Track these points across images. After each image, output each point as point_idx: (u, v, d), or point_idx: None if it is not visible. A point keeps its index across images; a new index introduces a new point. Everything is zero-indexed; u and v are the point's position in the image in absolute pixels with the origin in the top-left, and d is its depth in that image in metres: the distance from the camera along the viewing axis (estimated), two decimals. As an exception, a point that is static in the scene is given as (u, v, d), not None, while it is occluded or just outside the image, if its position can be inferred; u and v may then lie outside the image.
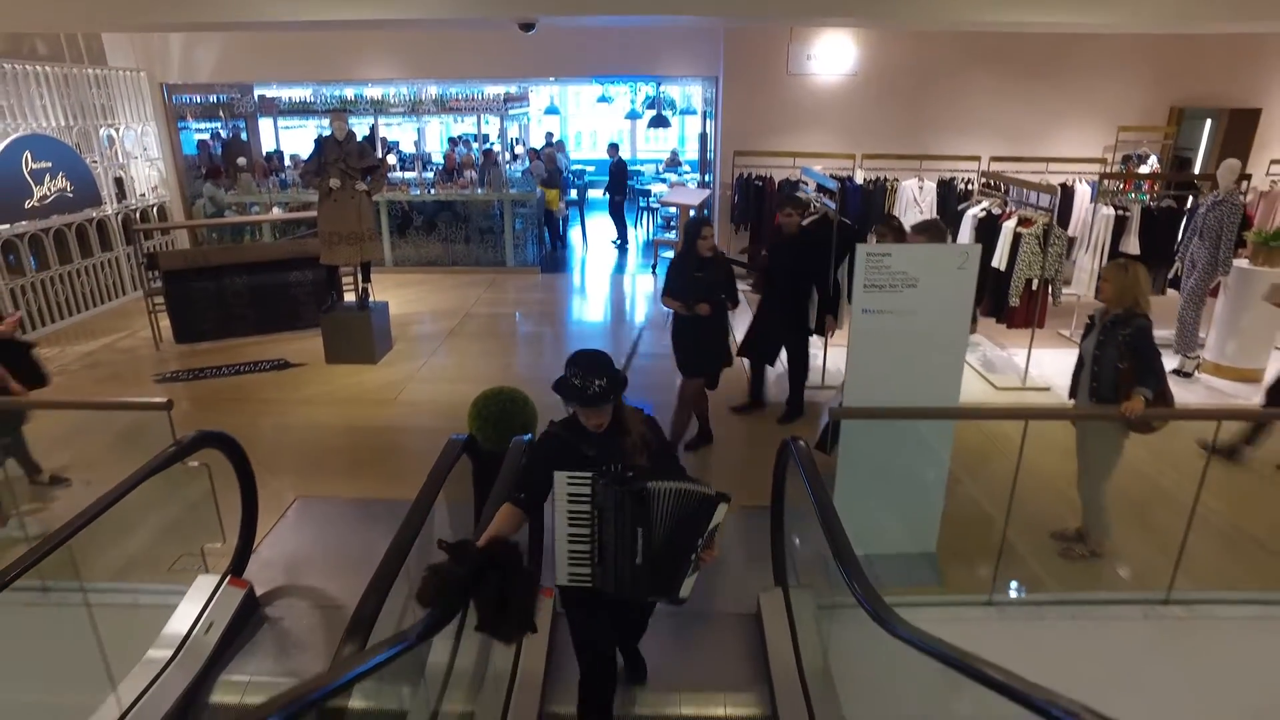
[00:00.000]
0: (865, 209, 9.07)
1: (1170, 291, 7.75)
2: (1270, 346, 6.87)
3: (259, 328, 8.07)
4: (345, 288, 8.17)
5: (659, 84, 14.70)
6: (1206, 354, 7.05)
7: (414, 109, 12.25)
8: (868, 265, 3.60)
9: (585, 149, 18.31)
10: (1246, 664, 3.64)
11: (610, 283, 11.14)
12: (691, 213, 9.90)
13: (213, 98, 11.64)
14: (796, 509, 3.61)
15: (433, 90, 11.98)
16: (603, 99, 16.99)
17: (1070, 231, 8.47)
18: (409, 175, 12.44)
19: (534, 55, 10.30)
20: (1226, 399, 6.60)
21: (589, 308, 10.17)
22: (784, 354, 6.03)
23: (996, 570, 3.85)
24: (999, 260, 6.72)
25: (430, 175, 12.43)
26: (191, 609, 3.63)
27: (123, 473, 3.37)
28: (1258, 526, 4.62)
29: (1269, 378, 6.47)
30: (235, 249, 9.39)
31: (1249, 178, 8.79)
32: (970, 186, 9.14)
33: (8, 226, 7.98)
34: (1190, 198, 7.91)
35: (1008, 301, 6.70)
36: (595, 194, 15.28)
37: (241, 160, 11.65)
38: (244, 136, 12.67)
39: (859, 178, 9.47)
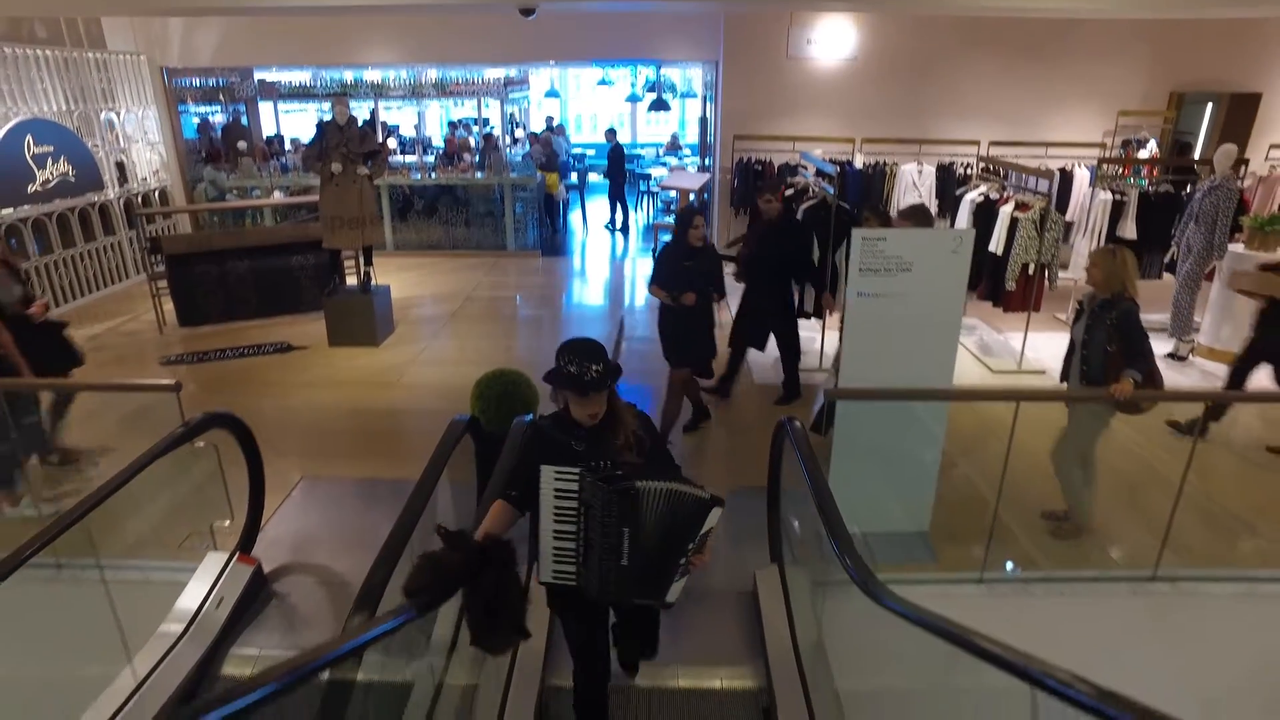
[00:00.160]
0: (864, 193, 9.10)
1: (1166, 276, 7.81)
2: (1264, 331, 6.92)
3: (262, 311, 8.14)
4: (347, 271, 8.23)
5: (659, 67, 14.66)
6: (1201, 338, 7.12)
7: (414, 93, 12.25)
8: (863, 249, 3.67)
9: (586, 132, 18.28)
10: (1230, 638, 3.75)
11: (610, 266, 11.19)
12: (691, 197, 9.95)
13: (211, 81, 11.63)
14: (798, 490, 3.69)
15: (432, 74, 11.97)
16: (603, 82, 16.95)
17: (1068, 216, 8.51)
18: (409, 159, 12.45)
19: (534, 39, 10.29)
20: (1219, 382, 6.66)
21: (589, 291, 10.23)
22: (773, 339, 6.08)
23: (988, 549, 3.94)
24: (996, 245, 6.77)
25: (431, 159, 12.44)
26: (202, 585, 3.73)
27: (130, 454, 3.46)
28: (1244, 506, 4.71)
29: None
30: (238, 233, 9.42)
31: (1246, 163, 8.81)
32: (969, 171, 9.16)
33: (11, 211, 8.02)
34: (1190, 183, 7.94)
35: (1004, 285, 6.75)
36: (596, 178, 15.29)
37: (242, 144, 11.66)
38: (244, 121, 12.67)
39: (858, 162, 9.49)
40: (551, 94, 16.78)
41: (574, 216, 13.95)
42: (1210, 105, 10.31)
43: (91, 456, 5.10)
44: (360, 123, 7.42)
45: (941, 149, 9.60)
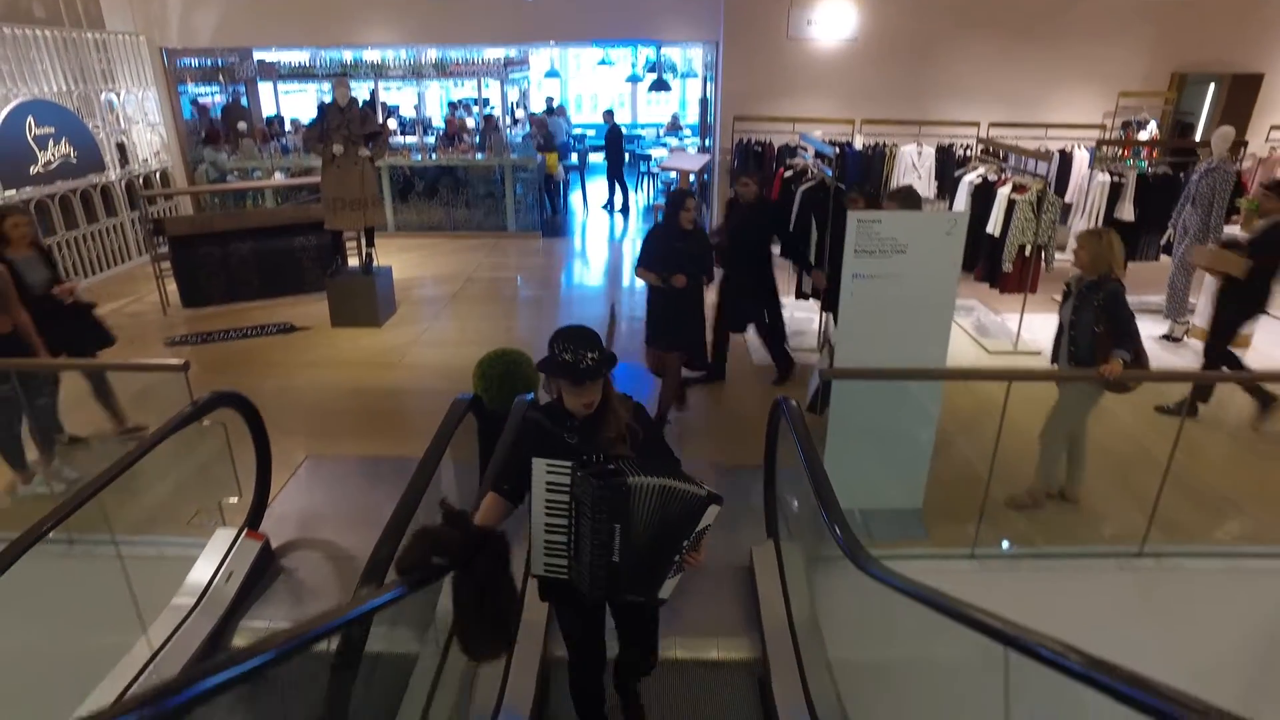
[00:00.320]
0: (864, 175, 9.12)
1: (1163, 258, 7.86)
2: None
3: (264, 292, 8.20)
4: (349, 253, 8.28)
5: (659, 48, 14.60)
6: (1196, 319, 7.16)
7: (414, 73, 12.22)
8: (858, 231, 3.72)
9: (586, 113, 18.21)
10: (1213, 613, 3.85)
11: (610, 247, 11.23)
12: (691, 178, 9.97)
13: (209, 61, 11.60)
14: (794, 468, 3.77)
15: (432, 54, 11.93)
16: (603, 62, 16.86)
17: (1067, 198, 8.55)
18: (410, 140, 12.45)
19: (534, 19, 10.26)
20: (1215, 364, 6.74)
21: (589, 272, 10.28)
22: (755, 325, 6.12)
23: (979, 525, 4.03)
24: (993, 226, 6.81)
25: (431, 140, 12.43)
26: (212, 560, 3.83)
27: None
28: (1230, 485, 4.80)
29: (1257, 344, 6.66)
30: (240, 214, 9.46)
31: (1245, 145, 8.82)
32: (969, 152, 9.17)
33: (14, 193, 8.05)
34: (1190, 164, 7.95)
35: (1001, 267, 6.80)
36: (596, 158, 15.26)
37: (242, 125, 11.65)
38: (244, 101, 12.65)
39: (858, 143, 9.50)
40: (552, 74, 16.72)
41: (574, 197, 13.95)
42: (1212, 86, 10.29)
43: (131, 433, 5.18)
44: (360, 103, 7.43)
45: (941, 130, 9.60)
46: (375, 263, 7.68)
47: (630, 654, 2.87)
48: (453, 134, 12.28)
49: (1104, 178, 7.70)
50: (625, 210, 12.92)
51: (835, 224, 6.08)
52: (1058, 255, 7.20)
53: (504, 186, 11.09)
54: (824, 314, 6.44)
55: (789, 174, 7.62)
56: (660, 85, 14.41)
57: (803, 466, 3.16)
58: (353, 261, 8.15)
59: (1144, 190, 7.82)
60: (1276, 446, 5.44)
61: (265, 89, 13.61)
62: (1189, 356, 6.84)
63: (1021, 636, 1.75)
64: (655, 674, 3.23)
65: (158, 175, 10.42)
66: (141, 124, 10.22)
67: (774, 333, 6.10)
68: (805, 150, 8.15)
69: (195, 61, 11.37)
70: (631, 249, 10.97)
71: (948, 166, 9.19)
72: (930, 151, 9.26)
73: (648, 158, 14.05)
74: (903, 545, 4.26)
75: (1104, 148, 8.35)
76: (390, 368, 6.67)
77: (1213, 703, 1.37)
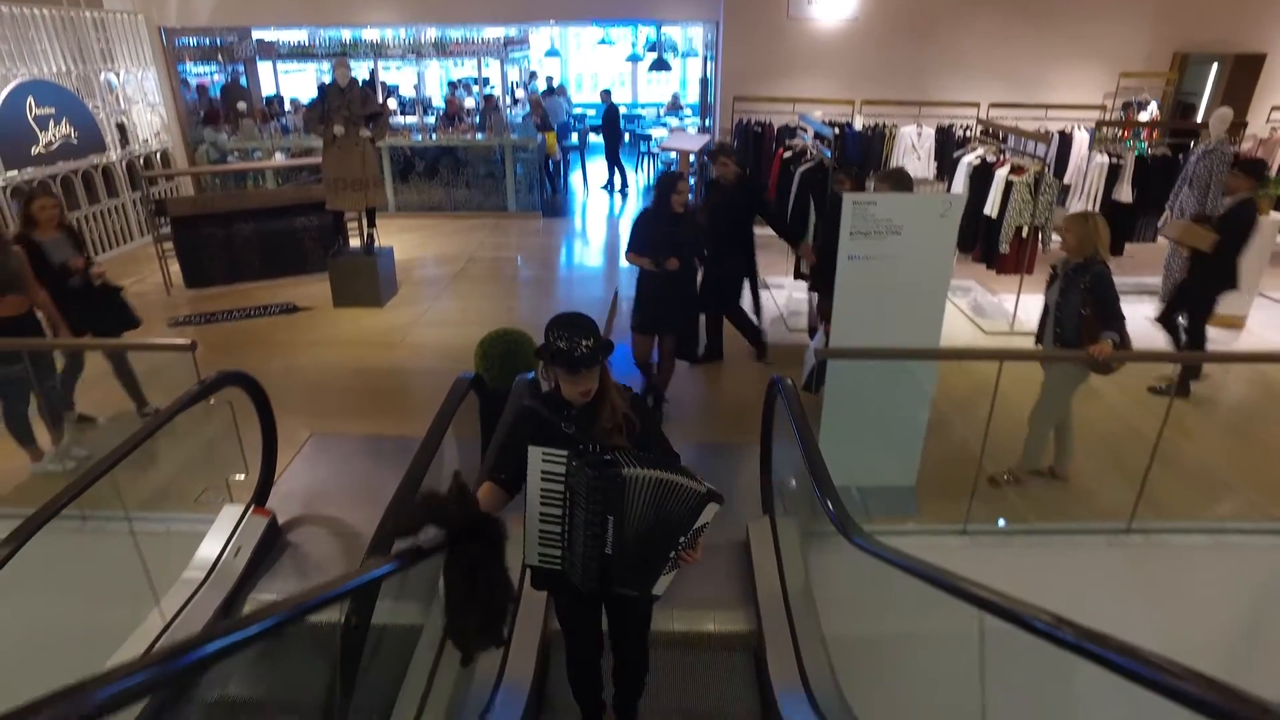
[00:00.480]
0: (863, 155, 9.13)
1: (1161, 239, 7.88)
2: (1254, 294, 7.03)
3: (266, 273, 8.25)
4: (350, 233, 8.31)
5: (659, 27, 14.51)
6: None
7: (414, 52, 12.17)
8: (854, 213, 3.77)
9: (586, 92, 18.13)
10: (1199, 586, 3.95)
11: (610, 227, 11.25)
12: (691, 159, 9.97)
13: (208, 41, 11.56)
14: (791, 445, 3.83)
15: (431, 33, 11.88)
16: (603, 41, 16.76)
17: (1066, 179, 8.56)
18: (410, 120, 12.42)
19: (534, -3, 10.24)
20: (1210, 345, 6.78)
21: (589, 252, 10.31)
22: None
23: (971, 502, 4.11)
24: (991, 208, 6.85)
25: (431, 120, 12.41)
26: (220, 535, 3.92)
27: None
28: (1218, 463, 4.89)
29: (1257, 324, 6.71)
30: (242, 195, 9.47)
31: (1244, 126, 8.81)
32: (969, 133, 9.17)
33: (16, 173, 8.08)
34: (1190, 146, 7.96)
35: (998, 248, 6.84)
36: (596, 139, 15.23)
37: (241, 105, 11.63)
38: (243, 81, 12.61)
39: (858, 124, 9.49)
40: (552, 53, 16.63)
41: (575, 178, 13.94)
42: (1215, 66, 10.25)
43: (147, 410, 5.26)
44: (360, 83, 7.44)
45: (941, 111, 9.59)
46: (377, 243, 7.72)
47: (619, 655, 2.81)
48: (453, 114, 12.25)
49: (1102, 159, 7.72)
50: (624, 191, 12.92)
51: (822, 206, 6.11)
52: (1055, 237, 7.22)
53: (504, 167, 11.10)
54: (811, 294, 6.44)
55: (788, 155, 7.64)
56: (660, 65, 14.34)
57: (797, 443, 3.23)
58: (354, 242, 8.19)
59: (1142, 172, 7.84)
60: (1266, 426, 5.52)
61: (264, 69, 13.56)
62: (1183, 338, 6.88)
63: (996, 600, 1.83)
64: (653, 646, 3.33)
65: (158, 156, 10.43)
66: (141, 104, 10.21)
67: (753, 310, 6.07)
68: (805, 131, 8.16)
69: (194, 41, 11.34)
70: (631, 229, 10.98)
71: (947, 147, 9.20)
72: (930, 132, 9.26)
73: (648, 138, 14.01)
74: (897, 521, 4.35)
75: (1103, 129, 8.35)
76: (392, 347, 6.74)
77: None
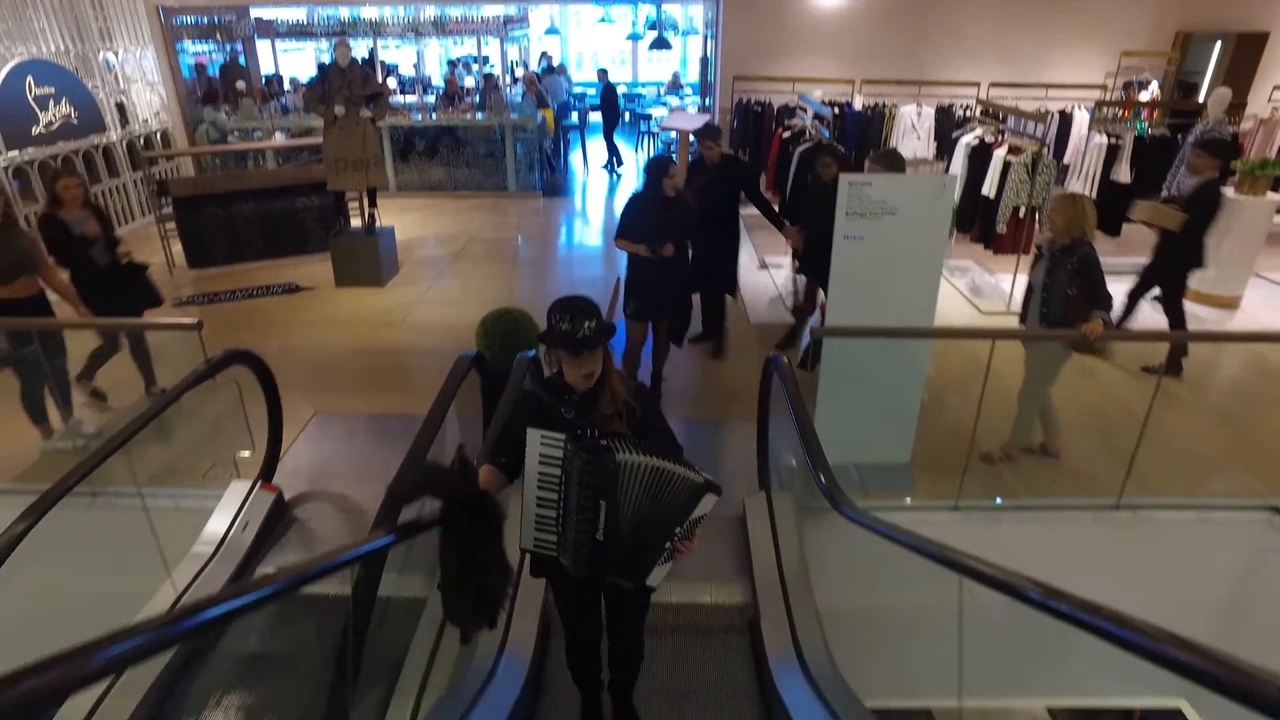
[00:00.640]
0: (863, 135, 9.13)
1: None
2: (1249, 274, 7.08)
3: (268, 253, 8.30)
4: (351, 213, 8.35)
5: (659, 4, 14.43)
6: (1188, 281, 7.24)
7: (413, 31, 12.13)
8: (849, 194, 3.82)
9: (587, 71, 18.05)
10: (1185, 561, 4.05)
11: (609, 207, 11.27)
12: (691, 139, 9.96)
13: (206, 19, 11.50)
14: (787, 423, 3.90)
15: (431, 11, 11.83)
16: (603, 20, 16.67)
17: (1066, 159, 8.56)
18: (409, 99, 12.40)
19: (533, -25, 10.18)
20: (1202, 325, 6.86)
21: (589, 232, 10.35)
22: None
23: (963, 478, 4.19)
24: (989, 188, 6.88)
25: (431, 99, 12.38)
26: (228, 510, 4.01)
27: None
28: (1209, 442, 4.97)
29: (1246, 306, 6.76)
30: (243, 175, 9.49)
31: (1243, 106, 8.80)
32: (969, 113, 9.17)
33: (16, 153, 8.09)
34: (1191, 126, 7.96)
35: (995, 228, 6.88)
36: (597, 117, 15.19)
37: (241, 84, 11.60)
38: (242, 60, 12.57)
39: (857, 103, 9.49)
40: (551, 31, 16.53)
41: (575, 157, 13.92)
42: (1218, 45, 10.21)
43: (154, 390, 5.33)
44: (360, 62, 7.45)
45: (941, 91, 9.58)
46: (378, 223, 7.76)
47: (614, 641, 2.79)
48: (452, 94, 12.23)
49: (1101, 140, 7.73)
50: (614, 169, 12.86)
51: (808, 187, 6.08)
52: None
53: (504, 146, 11.10)
54: (798, 276, 6.43)
55: (787, 135, 7.66)
56: (661, 43, 14.28)
57: (792, 419, 3.31)
58: (355, 222, 8.22)
59: (1141, 152, 7.85)
60: (1257, 406, 5.60)
61: (263, 47, 13.51)
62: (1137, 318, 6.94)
63: (972, 564, 1.91)
64: (651, 616, 3.42)
65: (158, 136, 10.43)
66: (140, 83, 10.20)
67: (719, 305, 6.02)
68: (804, 111, 8.17)
69: (192, 19, 11.29)
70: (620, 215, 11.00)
71: (947, 127, 9.20)
72: (930, 112, 9.26)
73: (648, 117, 13.98)
74: (892, 497, 4.44)
75: (1104, 109, 8.35)
76: (394, 327, 6.80)
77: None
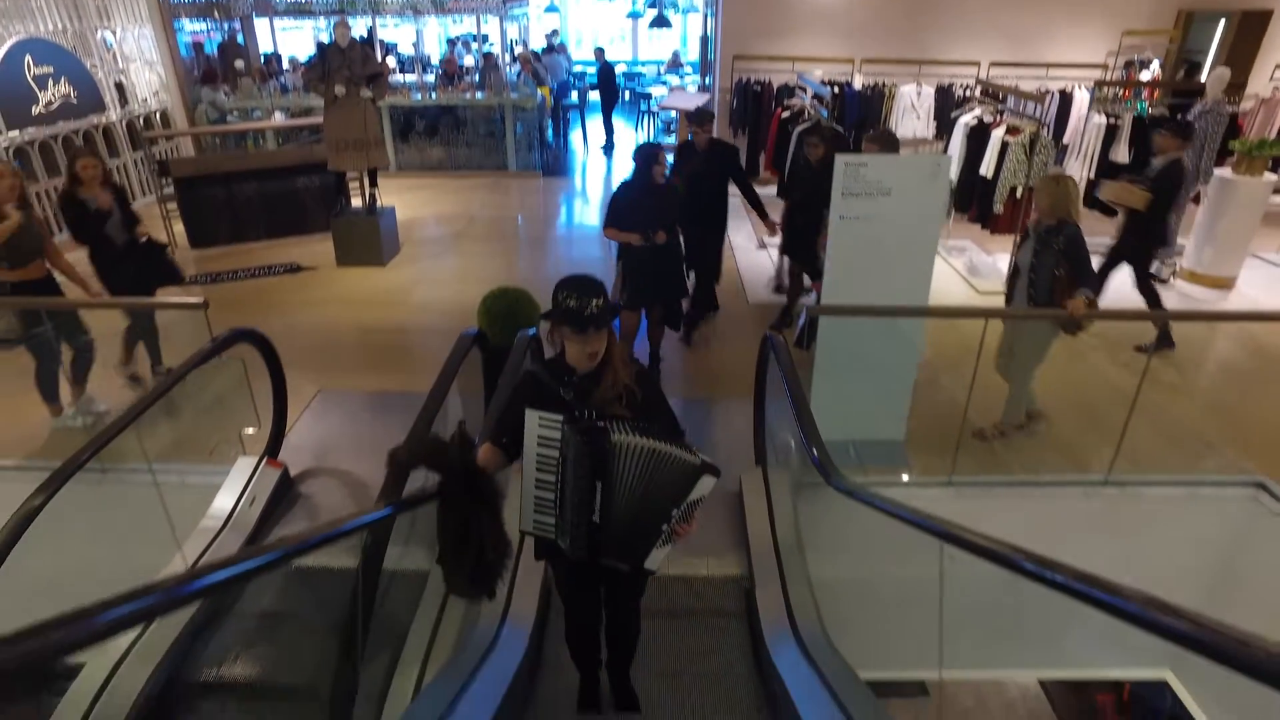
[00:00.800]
0: (862, 115, 9.13)
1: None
2: (1244, 254, 7.12)
3: (270, 233, 8.34)
4: (352, 193, 8.38)
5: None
6: (1184, 261, 7.31)
7: (412, 8, 12.06)
8: (845, 174, 3.87)
9: (586, 49, 17.95)
10: (1171, 534, 4.14)
11: (609, 187, 11.28)
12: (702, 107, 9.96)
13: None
14: (784, 401, 3.97)
15: (430, -12, 11.77)
16: (603, -3, 16.58)
17: (1065, 139, 8.57)
18: (409, 79, 12.36)
19: (532, -47, 10.11)
20: (1197, 304, 6.93)
21: (589, 211, 10.36)
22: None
23: (956, 454, 4.28)
24: (986, 168, 6.91)
25: (430, 79, 12.35)
26: (235, 486, 4.09)
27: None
28: (1197, 420, 5.06)
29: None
30: (244, 155, 9.51)
31: (1243, 86, 8.79)
32: (969, 93, 9.16)
33: (17, 133, 8.10)
34: (1192, 106, 7.96)
35: (993, 208, 6.92)
36: (597, 96, 15.13)
37: (239, 64, 11.56)
38: (240, 39, 12.51)
39: (857, 83, 9.47)
40: (551, 9, 16.43)
41: (575, 137, 13.90)
42: (1222, 23, 10.15)
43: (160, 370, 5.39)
44: (359, 40, 7.44)
45: (941, 70, 9.57)
46: (379, 203, 7.79)
47: (611, 620, 2.78)
48: (451, 73, 12.19)
49: (1100, 120, 7.74)
50: (609, 148, 12.84)
51: (793, 167, 6.08)
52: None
53: (504, 126, 11.09)
54: (782, 257, 6.44)
55: (786, 115, 7.67)
56: (661, 21, 14.21)
57: (786, 395, 3.38)
58: (356, 202, 8.25)
59: (1140, 132, 7.86)
60: (1248, 385, 5.67)
61: (261, 26, 13.45)
62: (1173, 298, 7.00)
63: (953, 531, 1.98)
64: (649, 587, 3.51)
65: (158, 115, 10.42)
66: (139, 62, 10.17)
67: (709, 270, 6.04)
68: (803, 91, 8.16)
69: (188, -3, 11.24)
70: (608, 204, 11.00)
71: (946, 107, 9.20)
72: (929, 91, 9.26)
73: (648, 96, 13.94)
74: (887, 473, 4.52)
75: (1104, 88, 8.34)
76: (396, 306, 6.86)
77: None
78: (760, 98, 9.75)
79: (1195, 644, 1.17)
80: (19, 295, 4.53)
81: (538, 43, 14.86)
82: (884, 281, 4.11)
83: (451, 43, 14.50)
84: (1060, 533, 4.11)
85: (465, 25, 14.84)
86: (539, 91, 11.60)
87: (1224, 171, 6.95)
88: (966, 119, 7.45)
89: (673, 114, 10.97)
